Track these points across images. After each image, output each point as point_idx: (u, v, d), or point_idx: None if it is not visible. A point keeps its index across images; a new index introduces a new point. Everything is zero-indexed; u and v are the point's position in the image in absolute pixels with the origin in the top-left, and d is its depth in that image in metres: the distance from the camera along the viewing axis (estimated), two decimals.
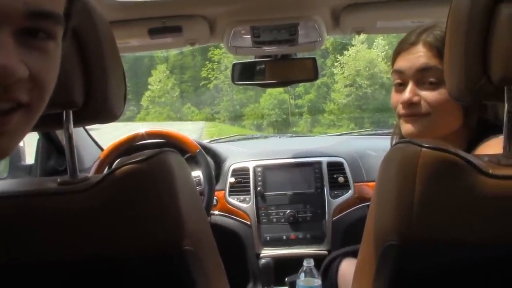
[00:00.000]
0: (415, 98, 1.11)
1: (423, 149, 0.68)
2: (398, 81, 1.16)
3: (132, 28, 1.60)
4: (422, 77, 1.10)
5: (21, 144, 2.02)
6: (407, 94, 1.12)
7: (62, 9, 0.57)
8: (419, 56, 1.11)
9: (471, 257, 0.70)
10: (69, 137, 0.83)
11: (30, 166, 2.03)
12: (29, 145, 2.07)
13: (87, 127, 2.24)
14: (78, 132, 2.09)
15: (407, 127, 1.14)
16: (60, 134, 1.96)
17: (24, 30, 0.52)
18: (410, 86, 1.12)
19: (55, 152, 2.04)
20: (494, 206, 0.67)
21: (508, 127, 0.71)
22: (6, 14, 0.49)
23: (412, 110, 1.12)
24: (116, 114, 0.88)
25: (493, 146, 0.97)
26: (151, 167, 0.76)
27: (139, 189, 0.76)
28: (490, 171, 0.67)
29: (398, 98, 1.16)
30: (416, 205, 0.68)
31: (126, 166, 0.76)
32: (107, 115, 0.85)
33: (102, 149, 2.24)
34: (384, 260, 0.73)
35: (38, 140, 2.03)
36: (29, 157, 2.06)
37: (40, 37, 0.53)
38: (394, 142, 1.17)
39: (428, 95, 1.09)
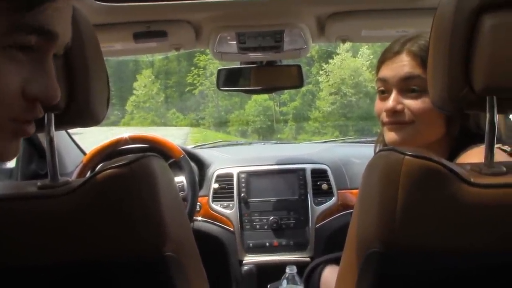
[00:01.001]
0: (399, 107, 1.12)
1: (406, 156, 0.68)
2: (382, 89, 1.17)
3: (116, 32, 1.59)
4: (406, 85, 1.11)
5: None
6: (390, 102, 1.13)
7: None
8: (403, 65, 1.12)
9: (453, 264, 0.71)
10: (50, 141, 0.82)
11: (11, 169, 2.00)
12: None
13: (70, 131, 2.22)
14: (60, 136, 2.07)
15: (390, 135, 1.15)
16: (42, 138, 1.93)
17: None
18: (393, 95, 1.13)
19: (37, 156, 2.01)
20: (476, 214, 0.68)
21: (489, 136, 0.72)
22: (57, 44, 0.55)
23: (396, 118, 1.13)
24: (99, 118, 0.87)
25: (475, 155, 0.98)
26: (133, 172, 0.75)
27: (121, 194, 0.75)
28: (472, 180, 0.68)
29: (382, 106, 1.16)
30: (398, 213, 0.68)
31: (108, 170, 0.75)
32: (90, 118, 0.84)
33: (85, 153, 2.22)
34: (366, 267, 0.73)
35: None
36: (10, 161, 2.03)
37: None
38: (377, 150, 1.18)
39: (412, 103, 1.10)
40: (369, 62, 22.03)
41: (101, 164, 2.01)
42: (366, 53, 22.36)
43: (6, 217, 0.75)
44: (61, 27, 0.55)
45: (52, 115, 0.80)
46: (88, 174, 2.00)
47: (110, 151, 2.02)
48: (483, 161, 0.73)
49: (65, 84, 0.77)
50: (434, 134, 1.12)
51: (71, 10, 0.59)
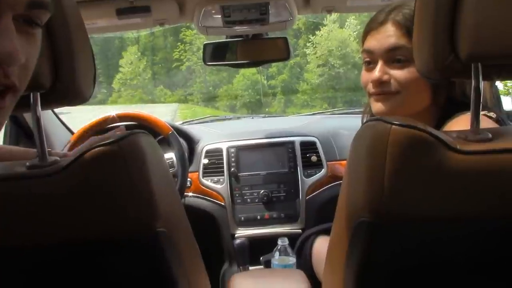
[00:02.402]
0: (385, 77, 1.12)
1: (393, 126, 0.69)
2: (368, 60, 1.17)
3: (99, 8, 1.57)
4: (392, 56, 1.11)
5: None
6: (376, 73, 1.13)
7: None
8: (388, 35, 1.11)
9: (441, 232, 0.72)
10: (37, 120, 0.81)
11: None
12: None
13: (57, 111, 2.20)
14: (47, 116, 2.05)
15: (377, 106, 1.16)
16: (28, 117, 1.92)
17: (20, 17, 0.55)
18: (379, 65, 1.13)
19: (24, 136, 2.00)
20: (463, 181, 0.69)
21: (475, 103, 0.73)
22: (10, 1, 0.52)
23: (382, 88, 1.13)
24: (85, 96, 0.86)
25: (461, 123, 0.99)
26: (122, 149, 0.75)
27: (110, 172, 0.75)
28: (458, 147, 0.68)
29: (368, 77, 1.17)
30: (386, 182, 0.69)
31: (97, 148, 0.75)
32: (76, 97, 0.83)
33: (72, 133, 2.21)
34: (356, 236, 0.74)
35: (6, 124, 1.98)
36: None
37: (34, 25, 0.57)
38: (365, 121, 1.18)
39: (398, 73, 1.11)
40: (356, 32, 21.93)
41: (89, 139, 2.00)
42: (353, 24, 22.26)
43: None
44: None
45: (38, 94, 0.79)
46: None
47: (98, 130, 2.01)
48: (469, 128, 0.74)
49: (50, 63, 0.76)
50: (421, 103, 1.13)
51: None
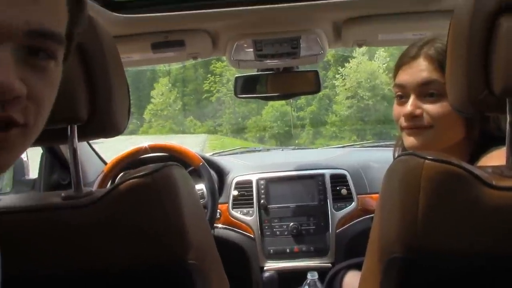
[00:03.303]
0: (417, 111, 1.11)
1: (427, 161, 0.68)
2: (400, 93, 1.17)
3: (135, 42, 1.61)
4: (424, 90, 1.11)
5: (24, 158, 2.03)
6: (409, 107, 1.12)
7: (63, 29, 0.57)
8: (420, 69, 1.11)
9: (476, 268, 0.70)
10: (74, 152, 0.83)
11: (34, 180, 2.03)
12: (33, 159, 2.07)
13: (90, 141, 2.25)
14: (81, 146, 2.10)
15: (409, 140, 1.15)
16: (64, 148, 1.96)
17: (25, 49, 0.52)
18: (411, 99, 1.12)
19: (59, 166, 2.04)
20: (498, 217, 0.67)
21: (510, 138, 0.72)
22: (7, 31, 0.49)
23: (415, 122, 1.12)
24: (120, 128, 0.88)
25: (496, 158, 0.97)
26: (155, 181, 0.76)
27: (144, 203, 0.76)
28: (494, 183, 0.67)
29: (400, 111, 1.16)
30: (420, 217, 0.68)
31: (131, 180, 0.76)
32: (111, 129, 0.85)
33: (105, 163, 2.25)
34: (388, 272, 0.73)
35: (42, 154, 2.03)
36: (33, 172, 2.06)
37: (41, 56, 0.54)
38: (397, 154, 1.17)
39: (430, 107, 1.10)
40: (385, 64, 21.93)
41: (122, 174, 2.03)
42: (383, 56, 22.27)
43: (32, 227, 0.76)
44: (8, 12, 0.49)
45: (75, 126, 0.81)
46: (109, 183, 2.02)
47: (131, 160, 2.04)
48: (504, 163, 0.73)
49: (87, 96, 0.79)
50: (454, 138, 1.11)
51: None
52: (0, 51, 0.49)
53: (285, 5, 1.47)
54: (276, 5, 1.47)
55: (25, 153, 1.98)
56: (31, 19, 0.51)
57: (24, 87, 0.51)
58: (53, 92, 0.59)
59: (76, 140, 0.82)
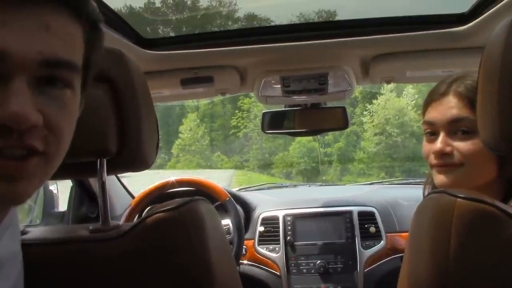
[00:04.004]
0: (448, 149, 1.10)
1: (458, 199, 0.67)
2: (429, 131, 1.16)
3: (165, 78, 1.65)
4: (454, 127, 1.09)
5: (54, 191, 2.06)
6: (439, 144, 1.11)
7: (79, 58, 0.58)
8: (450, 107, 1.10)
9: None
10: (103, 185, 0.84)
11: (63, 213, 2.06)
12: (63, 192, 2.11)
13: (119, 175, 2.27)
14: (109, 179, 2.12)
15: (440, 178, 1.12)
16: (93, 181, 1.99)
17: (40, 79, 0.52)
18: (441, 137, 1.11)
19: (87, 199, 2.07)
20: None
21: None
22: (21, 62, 0.50)
23: (445, 160, 1.11)
24: (149, 162, 0.89)
25: None
26: (182, 216, 0.77)
27: (170, 238, 0.76)
28: None
29: (430, 148, 1.14)
30: (452, 257, 0.66)
31: (158, 214, 0.77)
32: (140, 163, 0.86)
33: (133, 197, 2.27)
34: None
35: (71, 187, 2.06)
36: (62, 204, 2.09)
37: (57, 85, 0.54)
38: (427, 192, 1.15)
39: (461, 145, 1.08)
40: (414, 101, 21.79)
41: (149, 207, 2.04)
42: (411, 93, 22.16)
43: (59, 259, 0.77)
44: (21, 43, 0.50)
45: (105, 160, 0.82)
46: (136, 217, 2.03)
47: (158, 194, 2.05)
48: None
49: (117, 130, 0.80)
50: (486, 176, 1.09)
51: (49, 22, 0.52)
52: (16, 82, 0.50)
53: (313, 42, 1.49)
54: (304, 42, 1.49)
55: (55, 185, 2.02)
56: (45, 49, 0.51)
57: (40, 117, 0.51)
58: (71, 121, 0.59)
59: (105, 174, 0.83)
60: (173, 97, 1.92)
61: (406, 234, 1.01)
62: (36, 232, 0.85)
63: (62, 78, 0.55)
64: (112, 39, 1.28)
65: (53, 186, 2.06)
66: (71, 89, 0.56)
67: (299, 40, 1.50)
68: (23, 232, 0.82)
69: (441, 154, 1.11)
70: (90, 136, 0.75)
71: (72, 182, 2.05)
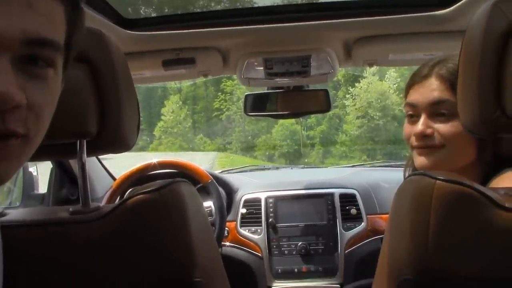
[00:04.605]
0: (428, 130, 1.10)
1: (438, 181, 0.67)
2: (411, 113, 1.16)
3: (146, 59, 1.63)
4: (435, 109, 1.10)
5: (34, 173, 2.04)
6: (420, 126, 1.11)
7: (61, 37, 0.57)
8: (432, 89, 1.11)
9: None
10: (82, 167, 0.83)
11: (43, 195, 2.04)
12: (42, 173, 2.08)
13: (100, 156, 2.26)
14: (90, 161, 2.10)
15: (420, 160, 1.13)
16: (73, 163, 1.97)
17: (23, 58, 0.52)
18: (423, 119, 1.12)
19: (68, 181, 2.05)
20: (511, 240, 0.66)
21: None
22: (4, 41, 0.49)
23: (426, 142, 1.12)
24: (130, 144, 0.88)
25: (509, 179, 0.96)
26: (163, 197, 0.76)
27: (151, 219, 0.76)
28: (506, 205, 0.66)
29: (411, 130, 1.15)
30: (431, 239, 0.67)
31: (138, 196, 0.76)
32: (121, 145, 0.85)
33: (114, 179, 2.26)
34: None
35: (51, 169, 2.04)
36: (42, 186, 2.07)
37: (39, 65, 0.54)
38: (407, 174, 1.16)
39: (442, 127, 1.09)
40: (396, 85, 21.91)
41: (130, 189, 2.03)
42: (393, 76, 22.25)
43: (38, 241, 0.76)
44: (4, 22, 0.49)
45: (84, 141, 0.82)
46: (118, 199, 2.02)
47: (139, 177, 2.04)
48: None
49: (97, 111, 0.79)
50: (465, 158, 1.10)
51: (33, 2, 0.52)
52: None
53: (296, 24, 1.48)
54: (287, 24, 1.48)
55: (34, 167, 1.99)
56: (28, 27, 0.51)
57: (23, 96, 0.51)
58: (53, 101, 0.59)
59: (85, 155, 0.82)
60: (154, 79, 1.90)
61: (387, 215, 1.02)
62: (16, 213, 0.84)
63: (44, 57, 0.54)
64: (92, 19, 1.26)
65: (32, 168, 2.03)
66: (53, 68, 0.56)
67: (282, 22, 1.49)
68: (2, 214, 0.82)
69: (422, 136, 1.11)
70: (70, 117, 0.73)
71: (52, 163, 2.02)
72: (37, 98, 0.54)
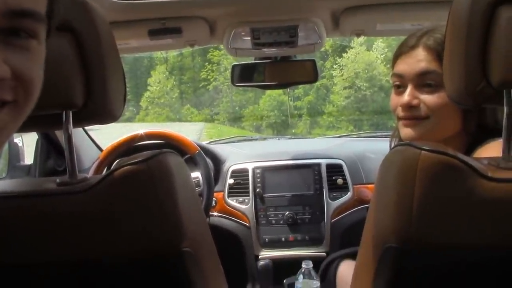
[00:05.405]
0: (415, 101, 1.11)
1: (423, 151, 0.68)
2: (398, 83, 1.16)
3: (132, 29, 1.60)
4: (422, 80, 1.10)
5: (19, 144, 2.02)
6: (406, 97, 1.12)
7: (43, 7, 0.57)
8: (419, 60, 1.11)
9: (470, 259, 0.70)
10: (69, 138, 0.83)
11: (29, 166, 2.02)
12: (28, 145, 2.07)
13: (86, 128, 2.24)
14: (77, 132, 2.09)
15: (406, 130, 1.14)
16: (59, 134, 1.96)
17: (5, 30, 0.51)
18: (409, 89, 1.12)
19: (54, 152, 2.04)
20: (494, 209, 0.67)
21: (507, 130, 0.72)
22: None
23: (412, 113, 1.12)
24: (116, 115, 0.88)
25: (492, 149, 0.97)
26: (150, 168, 0.76)
27: (138, 190, 0.76)
28: (490, 174, 0.67)
29: (398, 101, 1.16)
30: (415, 208, 0.68)
31: (126, 167, 0.76)
32: (107, 115, 0.85)
33: (101, 150, 2.24)
34: (383, 262, 0.73)
35: (37, 140, 2.03)
36: (28, 157, 2.06)
37: (22, 36, 0.53)
38: (393, 145, 1.17)
39: (428, 98, 1.09)
40: (383, 55, 21.88)
41: (117, 160, 2.03)
42: (381, 47, 22.20)
43: (26, 213, 0.76)
44: None
45: (70, 112, 0.81)
46: (105, 170, 2.02)
47: (126, 148, 2.04)
48: (501, 155, 0.73)
49: (83, 82, 0.78)
50: (451, 129, 1.11)
51: None
52: None
53: None
54: None
55: (20, 138, 1.97)
56: (9, 0, 0.50)
57: (7, 69, 0.51)
58: (39, 71, 0.58)
59: (71, 126, 0.82)
60: (140, 49, 1.88)
61: (373, 185, 1.04)
62: (3, 185, 0.84)
63: (26, 28, 0.54)
64: None
65: (18, 139, 2.01)
66: (36, 39, 0.56)
67: None
68: None
69: (408, 107, 1.12)
70: (55, 87, 0.73)
71: (38, 135, 2.01)
72: (23, 69, 0.54)
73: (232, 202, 2.11)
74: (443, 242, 0.69)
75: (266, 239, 2.04)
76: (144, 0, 1.48)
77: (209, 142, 2.68)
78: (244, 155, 2.28)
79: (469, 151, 1.06)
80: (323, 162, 2.15)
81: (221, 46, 1.87)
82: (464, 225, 0.68)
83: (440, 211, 0.68)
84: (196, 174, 1.99)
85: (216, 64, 24.92)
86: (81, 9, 0.78)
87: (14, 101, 0.54)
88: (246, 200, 2.09)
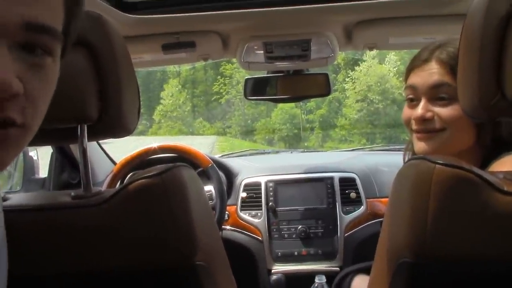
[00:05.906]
0: (428, 114, 1.10)
1: (437, 165, 0.68)
2: (411, 96, 1.16)
3: (146, 43, 1.62)
4: (435, 93, 1.10)
5: (34, 157, 2.04)
6: (420, 110, 1.11)
7: (60, 24, 0.56)
8: (432, 72, 1.10)
9: (485, 273, 0.69)
10: (84, 151, 0.84)
11: (43, 179, 2.04)
12: (42, 158, 2.09)
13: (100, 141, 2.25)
14: (91, 146, 2.10)
15: (420, 144, 1.14)
16: (74, 148, 1.97)
17: (21, 45, 0.51)
18: (423, 102, 1.12)
19: (68, 165, 2.05)
20: (509, 223, 0.67)
21: None
22: (2, 27, 0.48)
23: (425, 126, 1.12)
24: (130, 129, 0.88)
25: (508, 163, 0.97)
26: (164, 182, 0.77)
27: (152, 204, 0.76)
28: (505, 188, 0.67)
29: (411, 114, 1.15)
30: (430, 222, 0.67)
31: (140, 181, 0.76)
32: (121, 129, 0.86)
33: (114, 163, 2.26)
34: (397, 277, 0.72)
35: (52, 153, 2.05)
36: (43, 170, 2.07)
37: (37, 53, 0.53)
38: (407, 158, 1.16)
39: (441, 111, 1.09)
40: (396, 68, 21.86)
41: (131, 174, 2.04)
42: (393, 60, 22.19)
43: (40, 226, 0.77)
44: (3, 7, 0.48)
45: (85, 126, 0.82)
46: (118, 183, 2.03)
47: (140, 161, 2.05)
48: None
49: (98, 96, 0.79)
50: (465, 142, 1.11)
51: None
52: None
53: (296, 7, 1.47)
54: (287, 7, 1.47)
55: (35, 152, 1.99)
56: (27, 13, 0.49)
57: (21, 85, 0.50)
58: (50, 90, 0.58)
59: (86, 140, 0.82)
60: (154, 63, 1.89)
61: (386, 199, 1.03)
62: (18, 198, 0.84)
63: (42, 45, 0.53)
64: (91, 2, 1.25)
65: (32, 153, 2.04)
66: (51, 56, 0.55)
67: (282, 5, 1.48)
68: (4, 199, 0.82)
69: (422, 120, 1.11)
70: (70, 101, 0.73)
71: (52, 148, 2.03)
72: (35, 88, 0.53)
73: (245, 215, 2.10)
74: (457, 256, 0.68)
75: (279, 253, 2.03)
76: (158, 15, 1.50)
77: (222, 156, 2.69)
78: (257, 168, 2.28)
79: (484, 164, 1.05)
80: (336, 175, 2.14)
81: (234, 60, 1.88)
82: (479, 239, 0.68)
83: (455, 225, 0.68)
84: (209, 188, 1.99)
85: (228, 78, 25.06)
86: (96, 23, 0.79)
87: (22, 124, 0.53)
88: (259, 214, 2.09)
